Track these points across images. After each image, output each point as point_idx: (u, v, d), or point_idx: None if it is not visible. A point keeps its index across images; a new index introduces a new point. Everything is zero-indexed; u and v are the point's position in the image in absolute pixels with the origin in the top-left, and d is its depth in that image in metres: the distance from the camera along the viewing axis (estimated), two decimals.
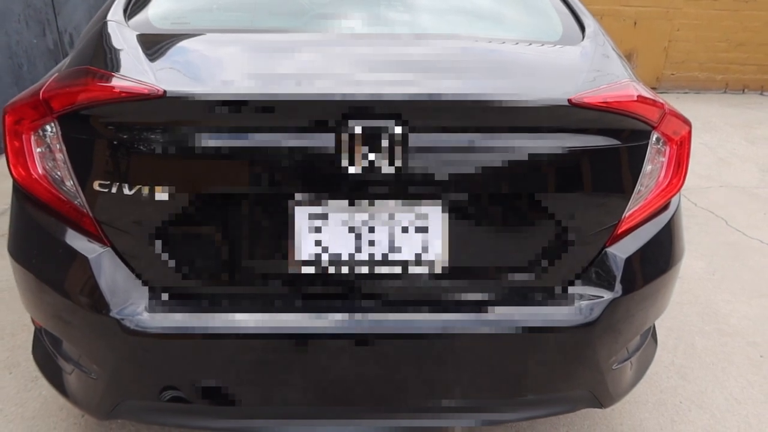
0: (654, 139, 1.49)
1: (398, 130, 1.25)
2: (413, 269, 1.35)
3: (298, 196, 1.31)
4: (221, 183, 1.28)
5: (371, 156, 1.25)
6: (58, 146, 1.31)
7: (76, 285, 1.31)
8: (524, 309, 1.36)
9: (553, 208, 1.35)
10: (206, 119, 1.25)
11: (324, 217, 1.32)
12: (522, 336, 1.34)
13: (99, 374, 1.37)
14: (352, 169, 1.26)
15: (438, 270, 1.35)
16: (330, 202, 1.32)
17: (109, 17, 1.58)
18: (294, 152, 1.25)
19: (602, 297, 1.38)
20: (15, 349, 2.15)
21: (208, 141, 1.25)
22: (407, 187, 1.30)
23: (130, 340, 1.30)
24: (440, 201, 1.33)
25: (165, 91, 1.23)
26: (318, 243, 1.33)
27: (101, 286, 1.30)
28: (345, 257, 1.33)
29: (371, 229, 1.34)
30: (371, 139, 1.24)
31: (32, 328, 2.17)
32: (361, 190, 1.30)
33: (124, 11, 1.63)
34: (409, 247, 1.34)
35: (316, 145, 1.26)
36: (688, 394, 2.09)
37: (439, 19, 1.91)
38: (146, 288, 1.33)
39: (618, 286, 1.40)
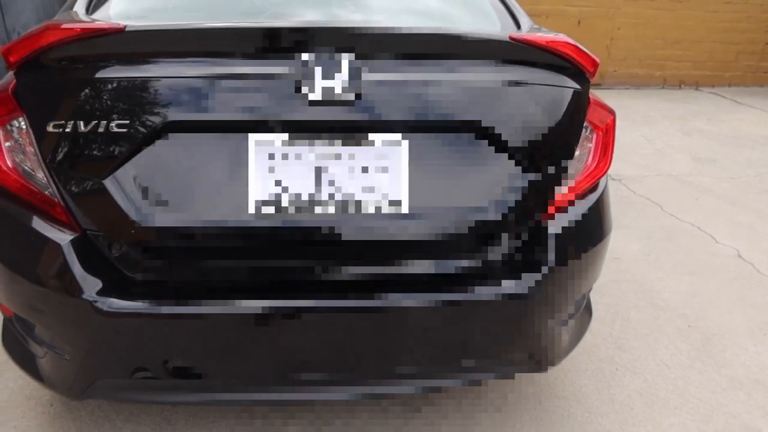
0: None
1: (352, 60, 1.34)
2: (373, 208, 1.43)
3: (256, 134, 1.38)
4: (179, 119, 1.35)
5: (328, 83, 1.33)
6: (27, 140, 1.38)
7: (51, 271, 1.39)
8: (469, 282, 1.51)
9: (505, 142, 1.47)
10: (166, 51, 1.34)
11: (284, 155, 1.40)
12: (467, 304, 1.49)
13: (72, 355, 1.45)
14: (311, 96, 1.34)
15: (396, 210, 1.44)
16: (289, 139, 1.39)
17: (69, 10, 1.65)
18: (253, 84, 1.34)
19: (538, 268, 1.54)
20: None
21: (168, 72, 1.33)
22: (364, 123, 1.39)
23: (102, 321, 1.38)
24: (399, 135, 1.42)
25: (125, 26, 1.32)
26: (278, 183, 1.40)
27: (74, 270, 1.38)
28: (305, 197, 1.40)
29: (330, 168, 1.40)
30: (327, 69, 1.33)
31: None
32: (320, 126, 1.38)
33: (86, 9, 1.70)
34: (368, 186, 1.43)
35: (275, 73, 1.35)
36: (624, 362, 2.28)
37: (387, 16, 2.03)
38: (116, 270, 1.41)
39: (551, 258, 1.55)
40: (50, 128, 1.35)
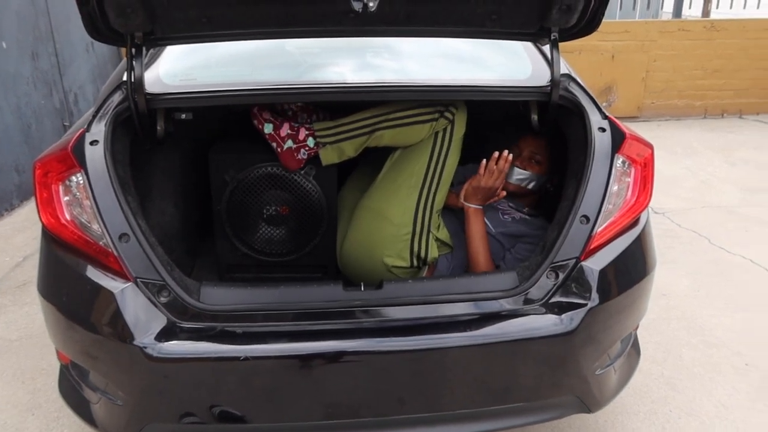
0: (619, 162, 1.66)
1: None
2: None
3: None
4: None
5: None
6: (85, 194, 1.47)
7: (104, 318, 1.45)
8: (508, 322, 1.50)
9: None
10: None
11: None
12: (511, 344, 1.47)
13: (125, 401, 1.49)
14: None
15: None
16: None
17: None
18: None
19: (582, 306, 1.52)
20: (35, 392, 2.25)
21: None
22: None
23: (152, 366, 1.42)
24: None
25: None
26: None
27: (126, 317, 1.43)
28: None
29: None
30: None
31: (50, 372, 2.30)
32: None
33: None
34: None
35: None
36: (678, 403, 2.19)
37: (426, 65, 2.10)
38: (165, 317, 1.46)
39: (594, 296, 1.53)
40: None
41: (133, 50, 1.63)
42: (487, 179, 1.87)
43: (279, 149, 1.90)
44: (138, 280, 1.46)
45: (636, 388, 2.25)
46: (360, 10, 1.42)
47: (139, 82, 1.63)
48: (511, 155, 1.86)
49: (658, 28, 6.18)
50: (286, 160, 1.91)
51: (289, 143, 1.90)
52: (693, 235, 3.58)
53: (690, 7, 7.94)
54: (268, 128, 1.91)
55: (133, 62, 1.63)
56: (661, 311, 2.76)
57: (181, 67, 1.94)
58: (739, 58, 6.30)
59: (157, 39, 1.67)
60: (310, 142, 1.91)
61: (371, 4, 1.43)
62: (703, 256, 3.33)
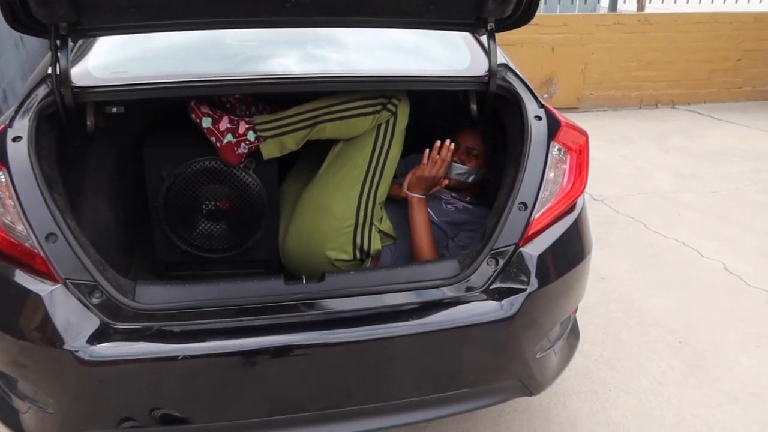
0: (555, 149, 1.69)
1: None
2: None
3: None
4: None
5: None
6: (8, 193, 1.39)
7: (32, 323, 1.38)
8: (450, 310, 1.51)
9: None
10: None
11: None
12: (452, 332, 1.49)
13: (56, 408, 1.43)
14: None
15: None
16: None
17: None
18: None
19: (520, 292, 1.55)
20: None
21: None
22: None
23: (85, 370, 1.36)
24: None
25: None
26: None
27: (55, 321, 1.37)
28: None
29: None
30: None
31: None
32: None
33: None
34: None
35: None
36: (617, 382, 2.27)
37: (366, 56, 2.09)
38: (98, 319, 1.40)
39: (533, 281, 1.56)
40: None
41: (58, 42, 1.56)
42: (430, 169, 1.88)
43: (218, 144, 1.85)
44: (67, 281, 1.40)
45: (577, 370, 2.32)
46: (293, 0, 1.40)
47: (65, 75, 1.56)
48: (453, 144, 1.88)
49: (596, 22, 6.36)
50: (225, 155, 1.86)
51: (229, 137, 1.85)
52: (630, 221, 3.71)
53: (625, 2, 8.22)
54: (206, 122, 1.86)
55: (58, 54, 1.55)
56: (601, 294, 2.86)
57: (113, 60, 1.86)
58: (671, 50, 6.56)
59: (83, 30, 1.60)
60: (251, 135, 1.87)
61: None
62: (640, 240, 3.46)
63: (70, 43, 1.60)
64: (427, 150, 1.88)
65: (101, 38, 1.84)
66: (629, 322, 2.65)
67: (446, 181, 1.95)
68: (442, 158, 1.87)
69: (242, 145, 1.86)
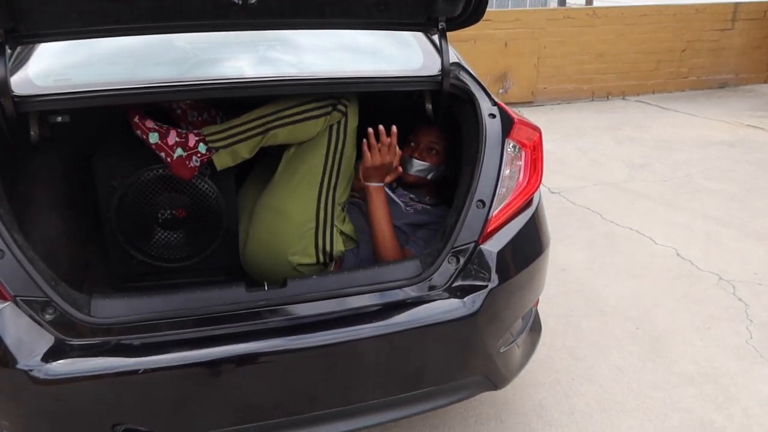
0: (510, 146, 1.72)
1: None
2: None
3: None
4: None
5: None
6: None
7: None
8: (414, 310, 1.52)
9: None
10: None
11: None
12: (417, 332, 1.50)
13: (11, 430, 1.38)
14: None
15: None
16: None
17: None
18: None
19: (481, 289, 1.57)
20: None
21: None
22: None
23: (40, 390, 1.32)
24: None
25: None
26: None
27: (6, 340, 1.32)
28: None
29: None
30: None
31: None
32: None
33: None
34: None
35: None
36: (579, 371, 2.33)
37: (319, 57, 2.07)
38: (52, 336, 1.36)
39: (494, 277, 1.59)
40: None
41: None
42: (376, 157, 1.84)
43: (168, 159, 1.79)
44: (17, 298, 1.35)
45: (541, 360, 2.36)
46: (240, 2, 1.37)
47: (4, 84, 1.50)
48: (395, 127, 1.83)
49: (546, 16, 6.49)
50: (177, 169, 1.80)
51: (179, 152, 1.79)
52: (586, 211, 3.80)
53: None
54: (153, 138, 1.78)
55: None
56: (561, 285, 2.92)
57: (55, 66, 1.80)
58: (619, 43, 6.74)
59: (21, 37, 1.54)
60: (202, 147, 1.81)
61: None
62: (596, 230, 3.55)
63: (8, 51, 1.53)
64: (365, 140, 1.84)
65: (42, 44, 1.78)
66: (589, 311, 2.72)
67: (400, 168, 1.92)
68: (386, 143, 1.82)
69: (194, 158, 1.81)
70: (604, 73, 6.82)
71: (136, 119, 1.79)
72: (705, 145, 5.13)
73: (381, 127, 1.81)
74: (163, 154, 1.79)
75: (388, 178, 1.94)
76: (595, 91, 6.86)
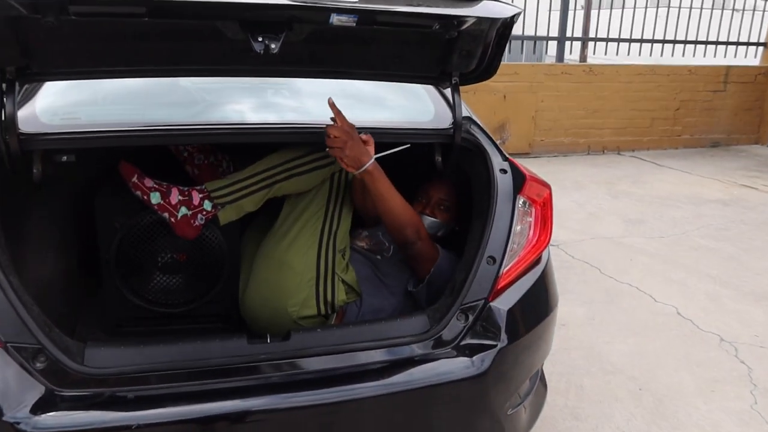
0: (521, 202, 1.70)
1: None
2: None
3: None
4: None
5: None
6: None
7: None
8: (422, 367, 1.46)
9: None
10: None
11: None
12: (423, 392, 1.44)
13: None
14: None
15: None
16: None
17: None
18: None
19: (491, 348, 1.52)
20: None
21: None
22: None
23: None
24: None
25: None
26: None
27: None
28: None
29: None
30: None
31: None
32: None
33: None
34: None
35: None
36: None
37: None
38: (43, 386, 1.29)
39: (504, 336, 1.54)
40: None
41: (4, 86, 1.47)
42: (332, 131, 1.65)
43: (172, 219, 1.74)
44: (8, 345, 1.28)
45: (543, 420, 2.28)
46: (261, 52, 1.37)
47: (11, 121, 1.47)
48: (330, 98, 1.67)
49: (544, 71, 6.62)
50: (181, 229, 1.75)
51: (183, 210, 1.74)
52: (585, 266, 3.78)
53: (570, 53, 8.60)
54: (155, 198, 1.73)
55: (4, 99, 1.47)
56: (561, 341, 2.86)
57: (62, 104, 1.79)
58: (615, 99, 6.88)
59: (33, 74, 1.52)
60: (207, 205, 1.77)
61: (273, 46, 1.37)
62: (596, 285, 3.52)
63: (17, 87, 1.51)
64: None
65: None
66: (591, 369, 2.66)
67: (367, 135, 1.72)
68: (334, 117, 1.66)
69: (198, 216, 1.76)
70: (600, 128, 6.93)
71: (135, 179, 1.73)
72: (700, 203, 5.17)
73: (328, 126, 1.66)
74: (166, 215, 1.73)
75: (370, 148, 1.73)
76: (591, 146, 6.95)
